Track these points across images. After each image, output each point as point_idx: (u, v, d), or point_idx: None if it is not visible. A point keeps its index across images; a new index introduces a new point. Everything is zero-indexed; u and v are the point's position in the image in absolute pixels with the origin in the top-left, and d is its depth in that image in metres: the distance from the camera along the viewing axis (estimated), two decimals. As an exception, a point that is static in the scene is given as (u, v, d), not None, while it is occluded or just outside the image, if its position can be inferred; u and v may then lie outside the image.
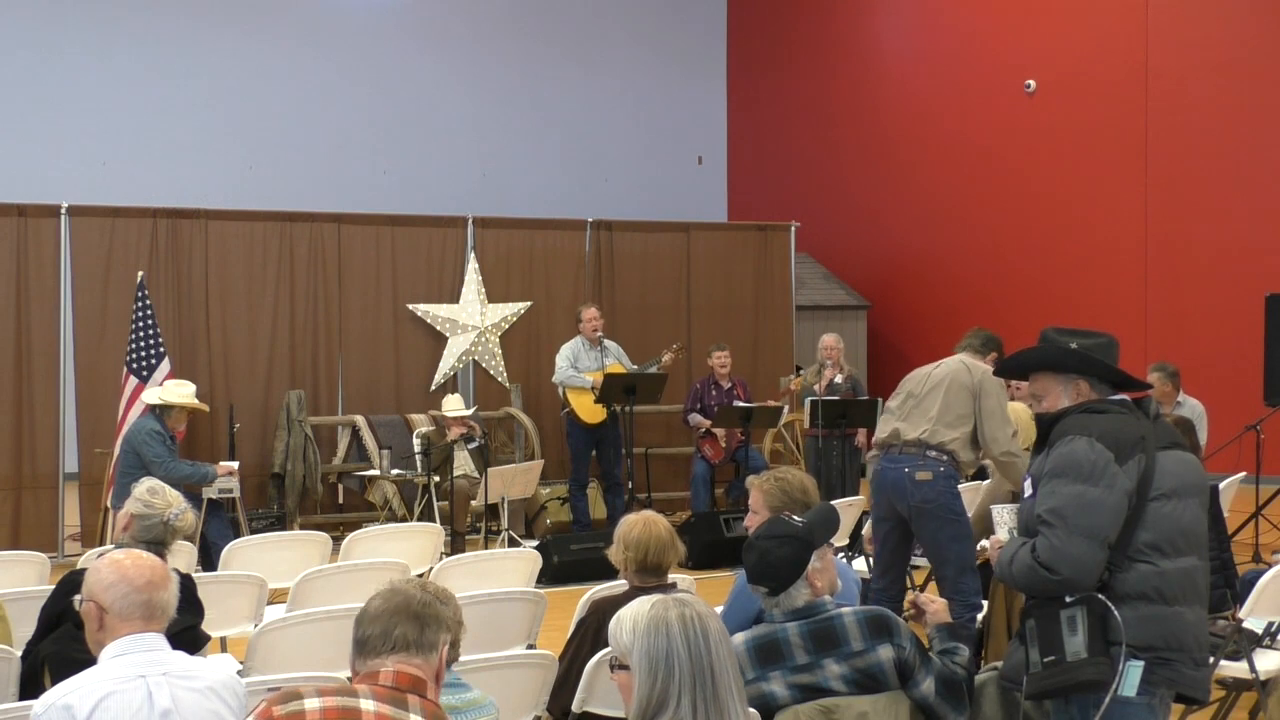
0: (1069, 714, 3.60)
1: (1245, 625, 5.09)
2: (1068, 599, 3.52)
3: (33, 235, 10.29)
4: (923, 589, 6.69)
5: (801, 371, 11.55)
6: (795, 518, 3.80)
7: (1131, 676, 3.49)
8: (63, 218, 10.38)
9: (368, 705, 2.80)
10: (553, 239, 12.21)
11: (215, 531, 8.57)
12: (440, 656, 2.95)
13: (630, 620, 2.71)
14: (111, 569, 3.22)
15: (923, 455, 5.96)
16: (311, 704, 2.77)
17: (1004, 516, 4.00)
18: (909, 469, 5.97)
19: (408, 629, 2.89)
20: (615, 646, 2.73)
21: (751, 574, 3.71)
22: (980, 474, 8.81)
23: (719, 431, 10.95)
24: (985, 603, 5.92)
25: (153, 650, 3.15)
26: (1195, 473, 3.72)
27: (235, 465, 9.34)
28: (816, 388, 10.76)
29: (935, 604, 4.01)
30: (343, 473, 11.16)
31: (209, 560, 7.94)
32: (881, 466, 6.18)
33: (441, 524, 8.75)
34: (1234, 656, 5.04)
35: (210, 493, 8.85)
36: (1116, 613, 3.47)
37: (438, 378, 11.56)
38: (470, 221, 11.85)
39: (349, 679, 2.96)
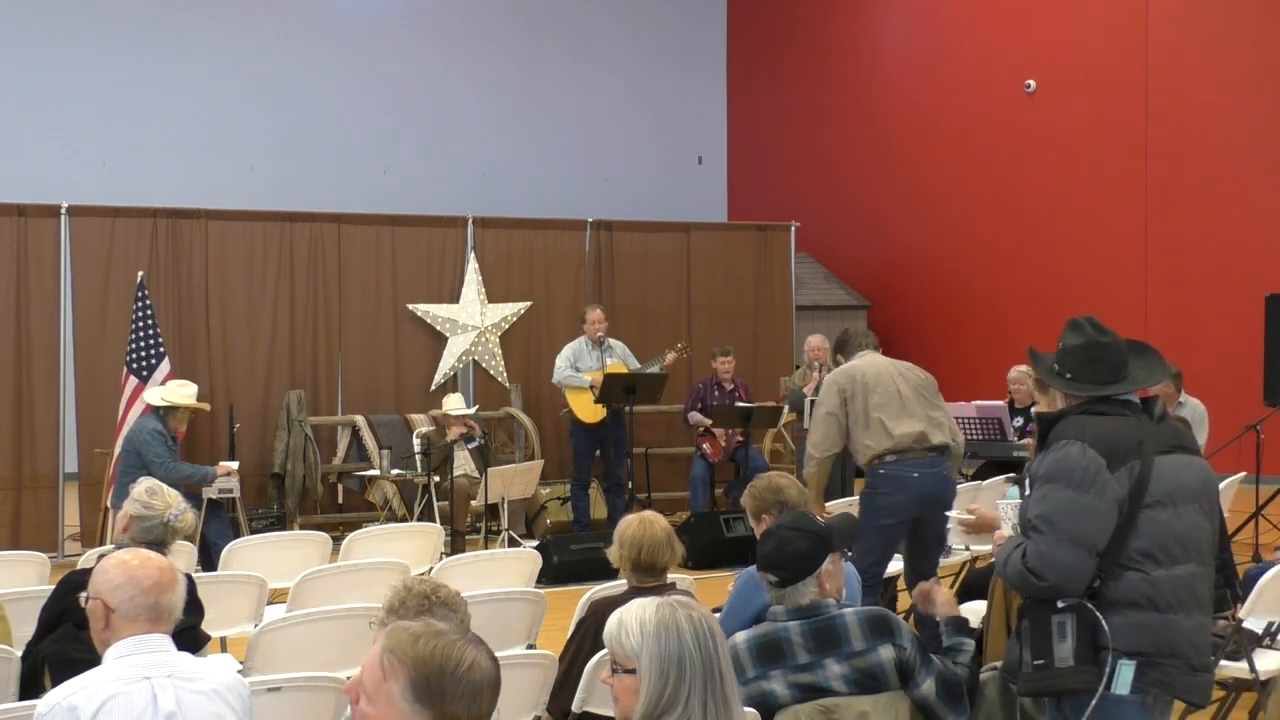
0: (1061, 713, 3.62)
1: (1245, 625, 5.09)
2: (1059, 604, 3.52)
3: (33, 235, 10.29)
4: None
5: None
6: (819, 517, 3.83)
7: (1124, 675, 3.49)
8: (63, 218, 10.38)
9: None
10: (553, 239, 12.20)
11: (215, 531, 8.58)
12: None
13: (637, 623, 2.68)
14: (119, 570, 3.20)
15: (946, 461, 6.07)
16: None
17: (1009, 512, 4.01)
18: (946, 473, 6.09)
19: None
20: (619, 649, 2.70)
21: (764, 561, 3.71)
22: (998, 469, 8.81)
23: (719, 430, 10.95)
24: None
25: (158, 651, 3.14)
26: (1196, 478, 3.68)
27: (235, 465, 9.34)
28: (805, 390, 10.71)
29: (944, 594, 4.02)
30: (343, 473, 11.16)
31: (209, 560, 7.94)
32: (921, 472, 6.12)
33: (441, 524, 8.75)
34: (1234, 656, 5.04)
35: (210, 493, 8.86)
36: (1105, 621, 3.48)
37: (438, 378, 11.56)
38: (470, 221, 11.85)
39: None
